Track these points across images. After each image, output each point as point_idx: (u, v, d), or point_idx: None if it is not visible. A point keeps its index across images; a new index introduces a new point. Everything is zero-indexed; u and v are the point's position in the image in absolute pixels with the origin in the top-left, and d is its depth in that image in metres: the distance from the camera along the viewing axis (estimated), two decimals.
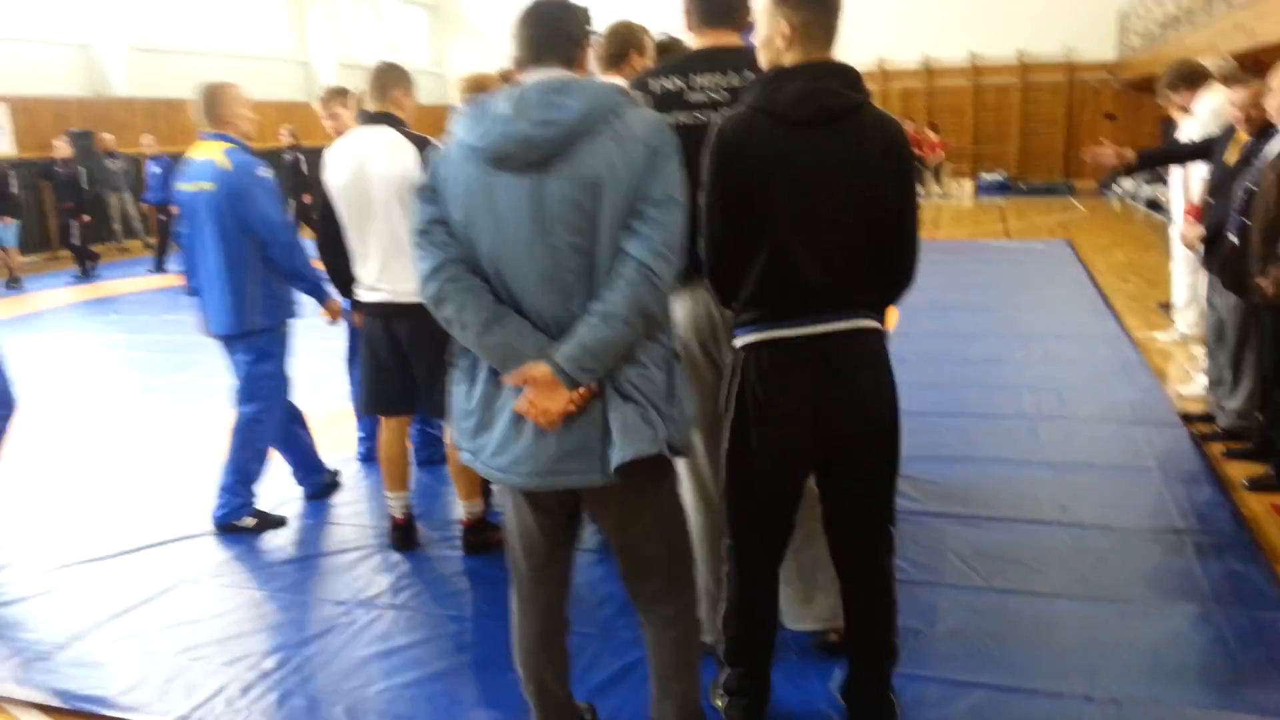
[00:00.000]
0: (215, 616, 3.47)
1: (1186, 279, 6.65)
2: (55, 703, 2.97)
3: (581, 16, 2.18)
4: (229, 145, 3.98)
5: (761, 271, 2.36)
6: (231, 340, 4.12)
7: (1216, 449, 4.70)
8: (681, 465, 2.89)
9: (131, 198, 14.93)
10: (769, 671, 2.69)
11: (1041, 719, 2.70)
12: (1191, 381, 5.84)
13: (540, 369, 2.01)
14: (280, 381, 4.24)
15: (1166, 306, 7.54)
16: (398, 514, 3.93)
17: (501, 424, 2.13)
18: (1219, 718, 2.69)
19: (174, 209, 4.60)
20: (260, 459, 4.23)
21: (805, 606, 3.03)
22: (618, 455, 2.06)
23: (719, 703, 2.68)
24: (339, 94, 4.82)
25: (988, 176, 21.04)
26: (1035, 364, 6.44)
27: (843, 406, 2.39)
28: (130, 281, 12.45)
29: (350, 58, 21.79)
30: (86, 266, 12.97)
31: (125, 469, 5.05)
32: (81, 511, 4.50)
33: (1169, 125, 7.55)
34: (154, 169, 13.22)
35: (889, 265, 2.43)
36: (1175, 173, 6.47)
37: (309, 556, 3.93)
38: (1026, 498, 4.20)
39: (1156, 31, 16.61)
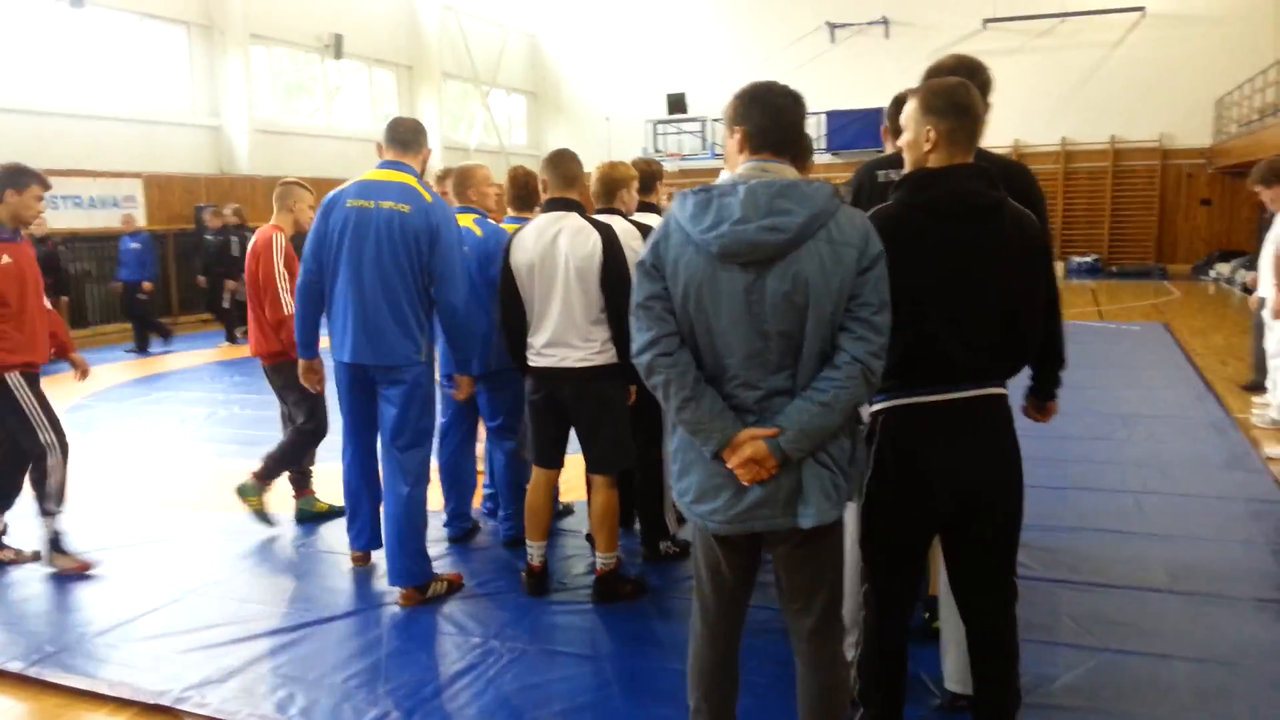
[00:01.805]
0: (370, 647, 3.77)
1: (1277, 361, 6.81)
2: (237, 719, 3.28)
3: (804, 106, 2.46)
4: (477, 216, 4.61)
5: (907, 347, 2.61)
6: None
7: None
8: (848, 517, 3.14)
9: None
10: (901, 712, 2.87)
11: None
12: (1256, 414, 6.17)
13: (760, 449, 2.30)
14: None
15: (1250, 388, 7.80)
16: (535, 561, 4.21)
17: (697, 475, 2.43)
18: None
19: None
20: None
21: (960, 668, 3.18)
22: (809, 520, 2.36)
23: None
24: (444, 175, 5.47)
25: (1078, 259, 20.96)
26: (1139, 442, 6.53)
27: (976, 465, 2.63)
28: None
29: (456, 141, 22.84)
30: (234, 332, 13.07)
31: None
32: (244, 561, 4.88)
33: (1264, 211, 7.62)
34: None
35: (1019, 342, 2.68)
36: (1266, 253, 6.66)
37: (450, 599, 4.21)
38: (1136, 567, 4.32)
39: (1254, 118, 16.58)
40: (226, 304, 13.21)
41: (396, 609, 4.11)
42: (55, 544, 4.62)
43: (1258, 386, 7.77)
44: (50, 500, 4.58)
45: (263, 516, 5.12)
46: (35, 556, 4.67)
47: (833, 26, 22.71)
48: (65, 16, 14.21)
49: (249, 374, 10.99)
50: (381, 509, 4.41)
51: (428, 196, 4.07)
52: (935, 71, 3.01)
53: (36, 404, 4.53)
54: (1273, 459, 6.05)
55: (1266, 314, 6.83)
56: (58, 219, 13.77)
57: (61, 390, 9.92)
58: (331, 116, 20.09)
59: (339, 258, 4.07)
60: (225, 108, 17.02)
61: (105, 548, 4.88)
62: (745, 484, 2.34)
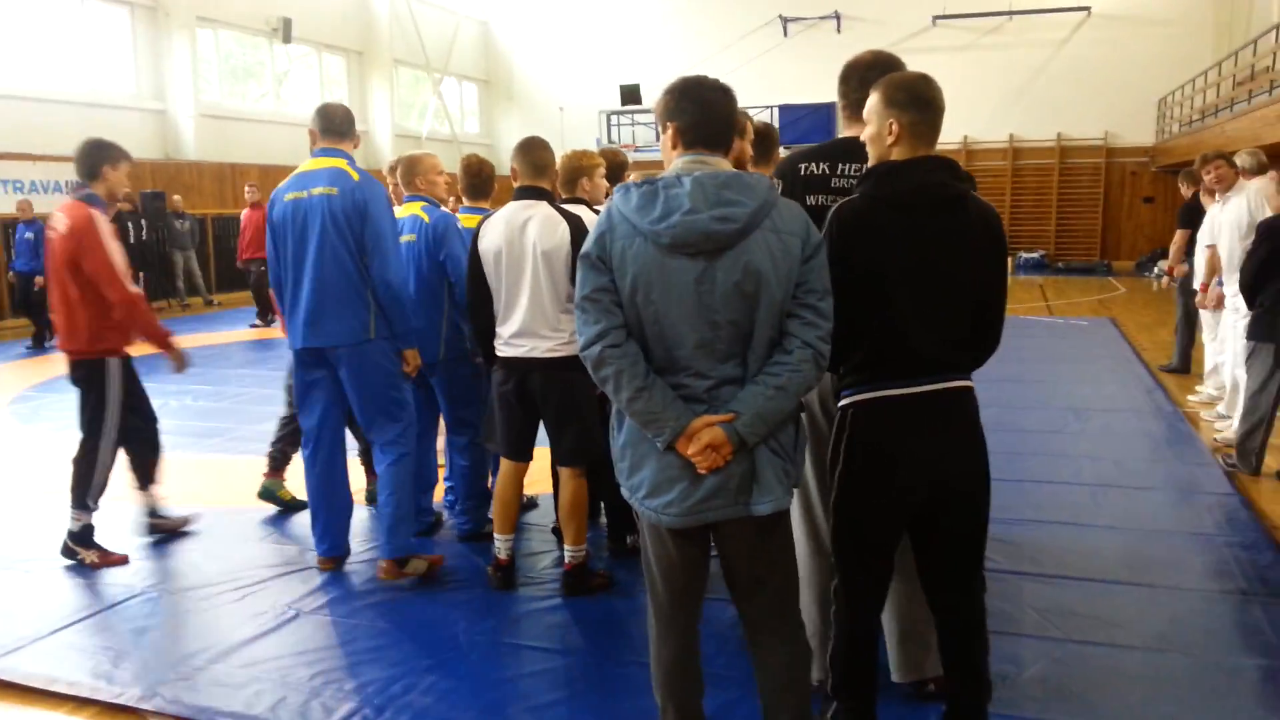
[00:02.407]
0: (337, 644, 3.72)
1: (1212, 345, 7.50)
2: (203, 717, 3.21)
3: (734, 99, 2.45)
4: (425, 204, 4.64)
5: (874, 340, 2.64)
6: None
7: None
8: (798, 514, 3.16)
9: (195, 256, 15.49)
10: (874, 707, 2.89)
11: None
12: (1221, 431, 6.59)
13: (716, 435, 2.31)
14: None
15: (1169, 370, 8.77)
16: (502, 555, 4.18)
17: (649, 470, 2.42)
18: None
19: None
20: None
21: (909, 659, 3.23)
22: (766, 506, 2.38)
23: None
24: (394, 166, 5.43)
25: (1025, 254, 21.31)
26: (1092, 435, 6.67)
27: (945, 457, 2.66)
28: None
29: (407, 129, 22.59)
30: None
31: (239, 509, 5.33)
32: (215, 544, 4.78)
33: (1190, 209, 8.25)
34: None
35: (984, 334, 2.71)
36: (1199, 253, 7.18)
37: (418, 593, 4.17)
38: (1094, 558, 4.40)
39: (1195, 118, 16.98)
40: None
41: (366, 605, 4.06)
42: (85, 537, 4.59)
43: (1178, 370, 8.70)
44: (93, 492, 4.61)
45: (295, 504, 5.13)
46: (124, 560, 4.60)
47: (785, 20, 22.83)
48: None
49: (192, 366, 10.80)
50: (346, 514, 4.53)
51: (355, 176, 4.15)
52: (853, 67, 3.06)
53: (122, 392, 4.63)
54: (1221, 442, 6.38)
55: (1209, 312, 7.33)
56: None
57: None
58: (280, 102, 19.75)
59: (284, 250, 4.20)
60: (171, 91, 16.65)
61: (53, 543, 4.76)
62: (702, 472, 2.34)
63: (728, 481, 2.36)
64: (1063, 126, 21.42)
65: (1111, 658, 3.49)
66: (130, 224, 12.67)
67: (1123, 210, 21.35)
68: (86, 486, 4.57)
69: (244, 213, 13.04)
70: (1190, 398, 7.79)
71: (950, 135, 21.27)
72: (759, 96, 20.08)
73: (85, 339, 4.48)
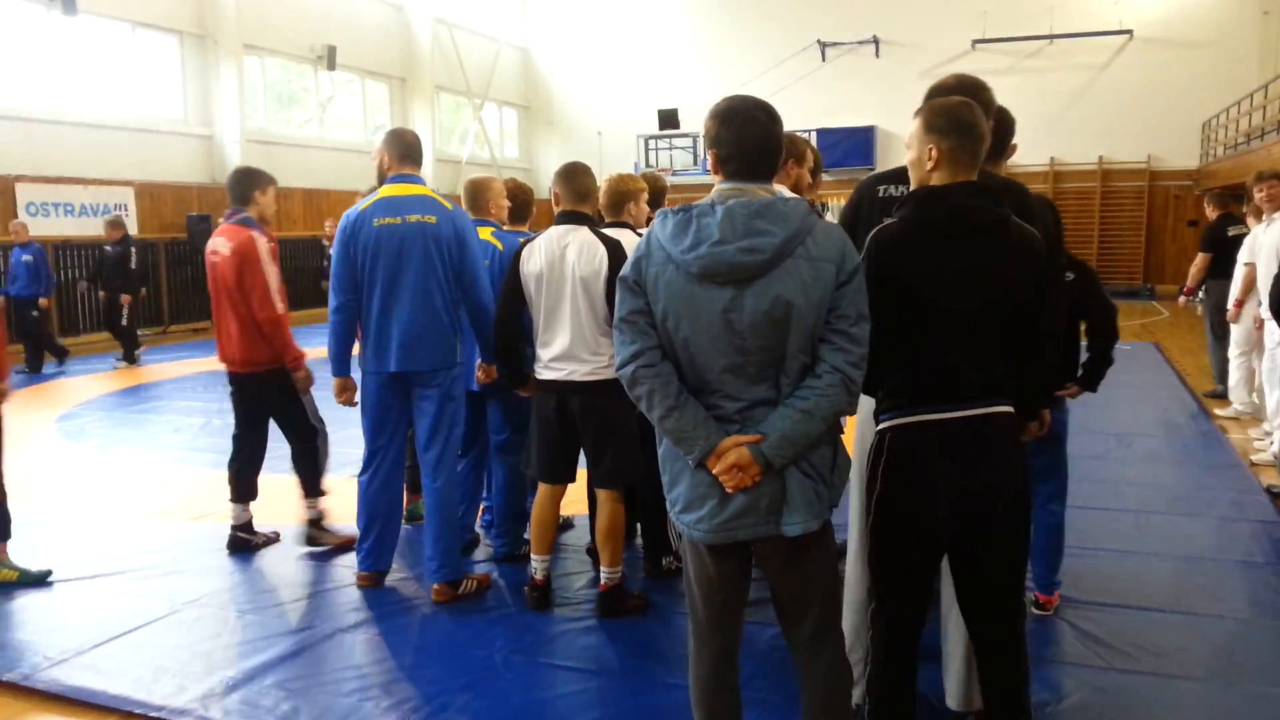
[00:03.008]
0: (375, 661, 3.74)
1: (1238, 360, 7.77)
2: None
3: (778, 123, 2.43)
4: (494, 229, 4.73)
5: (911, 364, 2.63)
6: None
7: None
8: (855, 539, 3.15)
9: None
10: None
11: None
12: (1260, 451, 6.64)
13: (743, 455, 2.32)
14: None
15: (1212, 395, 8.69)
16: (539, 575, 4.19)
17: (684, 485, 2.44)
18: None
19: None
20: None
21: (967, 688, 3.17)
22: (795, 528, 2.38)
23: None
24: None
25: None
26: (1135, 460, 6.58)
27: (983, 484, 2.63)
28: None
29: (448, 153, 22.86)
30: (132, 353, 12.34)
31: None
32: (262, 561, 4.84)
33: (1213, 231, 8.64)
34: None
35: (1027, 359, 2.69)
36: (1237, 272, 7.32)
37: (454, 612, 4.19)
38: (1138, 585, 4.33)
39: (1240, 141, 16.76)
40: (124, 321, 12.26)
41: (404, 623, 4.09)
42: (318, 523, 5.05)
43: (1220, 395, 8.51)
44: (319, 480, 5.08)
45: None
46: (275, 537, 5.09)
47: (823, 45, 22.86)
48: (58, 24, 14.16)
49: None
50: (396, 532, 4.61)
51: (448, 205, 4.25)
52: (937, 91, 3.01)
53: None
54: (1259, 463, 6.40)
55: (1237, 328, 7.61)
56: (49, 226, 13.71)
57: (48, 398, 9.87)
58: (324, 127, 20.08)
59: (374, 275, 4.22)
60: (218, 117, 16.98)
61: (102, 558, 4.85)
62: (729, 491, 2.35)
63: (757, 501, 2.37)
64: (1105, 150, 21.22)
65: (1154, 687, 3.43)
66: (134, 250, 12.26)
67: (1166, 234, 21.07)
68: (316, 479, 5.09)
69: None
70: (1219, 412, 7.99)
71: None
72: (797, 121, 20.10)
73: (246, 354, 4.85)
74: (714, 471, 2.35)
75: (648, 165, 22.93)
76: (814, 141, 20.75)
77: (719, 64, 22.96)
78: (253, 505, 5.12)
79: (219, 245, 4.80)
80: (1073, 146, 21.26)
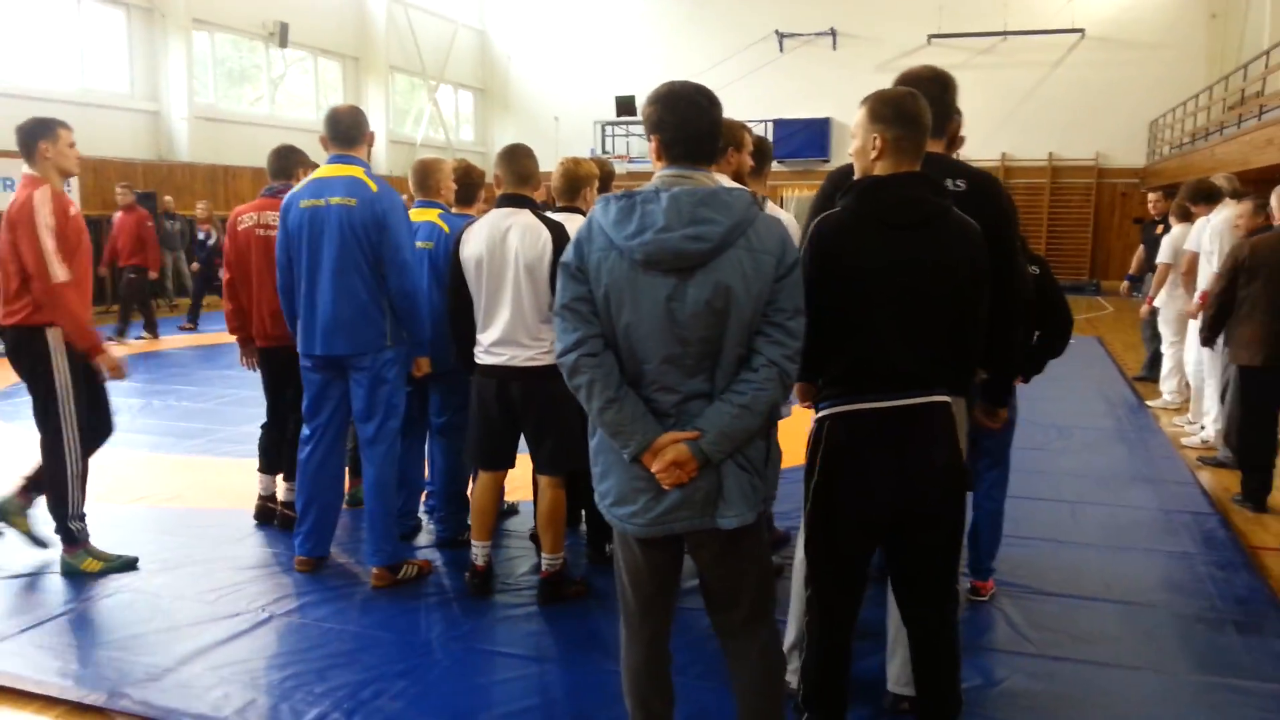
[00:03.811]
0: (311, 646, 3.70)
1: (1170, 351, 8.30)
2: (170, 718, 3.18)
3: (718, 108, 2.42)
4: (441, 211, 4.67)
5: (852, 353, 2.64)
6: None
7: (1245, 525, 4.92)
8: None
9: (185, 257, 15.46)
10: (844, 717, 2.89)
11: None
12: (1190, 435, 7.15)
13: (681, 452, 2.31)
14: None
15: (1140, 379, 9.40)
16: (479, 561, 4.16)
17: (616, 478, 2.43)
18: None
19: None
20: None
21: (905, 671, 3.19)
22: (729, 521, 2.38)
23: None
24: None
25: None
26: (1074, 452, 6.70)
27: (920, 472, 2.65)
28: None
29: (402, 135, 22.61)
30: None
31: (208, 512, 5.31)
32: (178, 546, 4.76)
33: (1151, 225, 9.37)
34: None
35: (965, 350, 2.72)
36: (1162, 263, 7.87)
37: (393, 597, 4.16)
38: (1072, 575, 4.41)
39: (1185, 140, 17.08)
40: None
41: (341, 609, 4.04)
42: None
43: (1144, 378, 9.36)
44: None
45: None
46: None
47: (781, 36, 22.93)
48: None
49: (175, 367, 10.80)
50: (334, 516, 4.54)
51: (373, 187, 4.14)
52: (905, 80, 3.03)
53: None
54: (1188, 446, 6.94)
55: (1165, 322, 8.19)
56: None
57: None
58: (275, 106, 19.75)
59: (299, 257, 4.19)
60: (165, 93, 16.64)
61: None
62: (666, 488, 2.34)
63: (693, 495, 2.36)
64: (1055, 146, 21.54)
65: (1084, 674, 3.49)
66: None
67: (1112, 231, 21.45)
68: None
69: (116, 216, 12.55)
70: (1150, 403, 8.43)
71: None
72: (754, 111, 20.17)
73: (275, 329, 4.78)
74: (653, 469, 2.33)
75: (605, 152, 22.87)
76: (770, 132, 20.94)
77: (677, 51, 22.92)
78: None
79: (270, 220, 4.72)
80: (1024, 142, 21.58)
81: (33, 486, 4.57)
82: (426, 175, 4.71)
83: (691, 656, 3.48)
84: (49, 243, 4.15)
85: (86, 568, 4.39)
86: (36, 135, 4.26)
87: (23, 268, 4.19)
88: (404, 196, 4.55)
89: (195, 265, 14.05)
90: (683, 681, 3.18)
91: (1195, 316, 6.88)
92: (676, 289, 2.27)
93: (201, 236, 13.99)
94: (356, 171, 4.16)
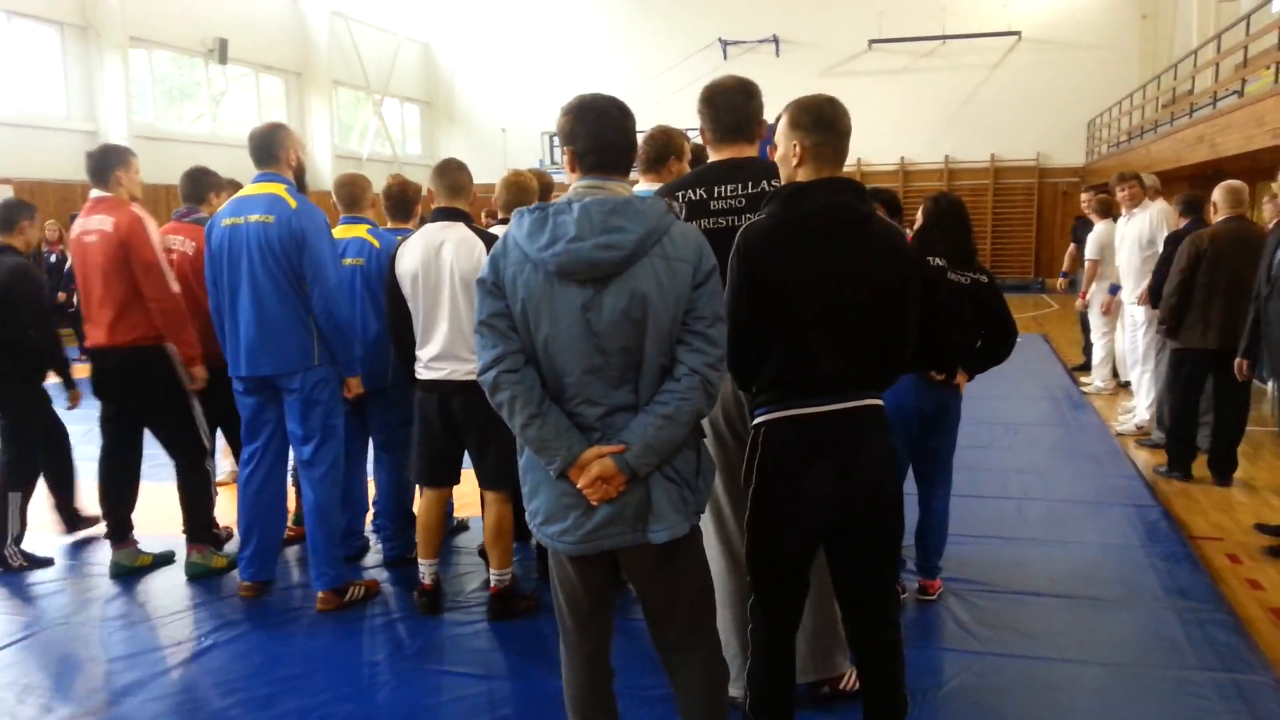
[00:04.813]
0: (256, 673, 3.63)
1: (1101, 341, 8.81)
2: None
3: (631, 119, 2.43)
4: (370, 227, 4.62)
5: (781, 360, 2.65)
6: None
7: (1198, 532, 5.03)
8: (712, 534, 3.16)
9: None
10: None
11: None
12: (1121, 420, 7.57)
13: (607, 467, 2.28)
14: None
15: (1080, 368, 9.86)
16: (427, 580, 4.12)
17: (544, 496, 2.41)
18: None
19: None
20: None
21: (809, 661, 3.23)
22: (660, 535, 2.36)
23: None
24: None
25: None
26: (1020, 449, 6.79)
27: (856, 476, 2.67)
28: None
29: (348, 150, 22.41)
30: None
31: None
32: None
33: (1083, 223, 9.83)
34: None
35: (893, 354, 2.74)
36: (1088, 265, 8.46)
37: (341, 619, 4.10)
38: (1017, 571, 4.46)
39: (1123, 139, 17.43)
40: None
41: (287, 633, 3.98)
42: None
43: (1083, 368, 9.76)
44: None
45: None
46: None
47: (725, 43, 23.04)
48: None
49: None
50: (278, 539, 4.51)
51: (292, 203, 4.07)
52: (711, 90, 3.14)
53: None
54: (1123, 433, 7.28)
55: (1094, 313, 8.71)
56: None
57: None
58: (217, 123, 19.47)
59: (218, 276, 4.14)
60: (102, 112, 16.30)
61: None
62: (594, 504, 2.32)
63: (623, 510, 2.34)
64: (996, 148, 21.85)
65: (1030, 669, 3.53)
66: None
67: (1055, 229, 21.79)
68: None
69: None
70: (1083, 388, 9.02)
71: (888, 157, 21.60)
72: (700, 118, 20.21)
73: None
74: (578, 485, 2.31)
75: (553, 163, 22.79)
76: None
77: (622, 61, 22.97)
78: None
79: (174, 245, 4.78)
80: (967, 145, 21.85)
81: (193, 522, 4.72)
82: (350, 190, 4.64)
83: (640, 668, 3.46)
84: (163, 258, 4.45)
85: (216, 564, 4.64)
86: (113, 162, 4.53)
87: (134, 285, 4.36)
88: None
89: (61, 295, 11.99)
90: (633, 690, 3.19)
91: (1144, 304, 7.15)
92: (593, 299, 2.25)
93: (54, 259, 12.51)
94: (277, 189, 4.10)
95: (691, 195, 3.07)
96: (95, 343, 4.49)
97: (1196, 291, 5.84)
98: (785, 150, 2.68)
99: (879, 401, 2.71)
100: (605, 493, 2.30)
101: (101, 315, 4.43)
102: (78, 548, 5.10)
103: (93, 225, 4.43)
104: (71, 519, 5.22)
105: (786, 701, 2.88)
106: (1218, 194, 5.98)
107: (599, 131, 2.34)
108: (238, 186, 4.74)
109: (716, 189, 3.06)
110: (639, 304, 2.24)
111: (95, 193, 4.53)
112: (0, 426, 4.81)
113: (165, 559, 4.78)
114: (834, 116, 2.65)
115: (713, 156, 3.17)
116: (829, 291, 2.60)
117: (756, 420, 2.73)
